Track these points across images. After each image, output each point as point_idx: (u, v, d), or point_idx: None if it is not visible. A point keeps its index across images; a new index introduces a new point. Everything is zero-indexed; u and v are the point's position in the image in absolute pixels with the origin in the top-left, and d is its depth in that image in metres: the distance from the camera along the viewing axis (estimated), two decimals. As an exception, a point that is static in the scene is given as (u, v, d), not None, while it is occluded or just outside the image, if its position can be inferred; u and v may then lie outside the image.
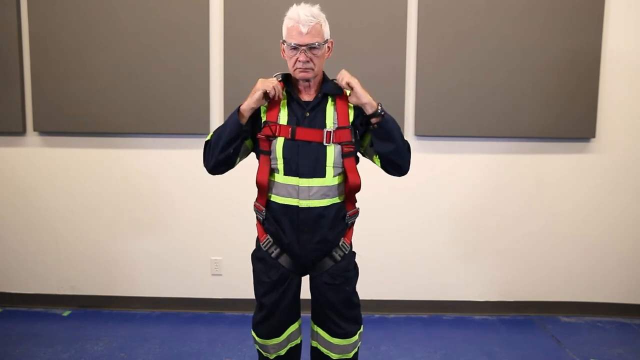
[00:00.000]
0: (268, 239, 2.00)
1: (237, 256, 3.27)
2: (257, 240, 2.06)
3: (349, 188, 1.97)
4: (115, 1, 3.20)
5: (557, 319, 3.42)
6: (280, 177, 1.94)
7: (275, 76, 1.99)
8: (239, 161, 2.02)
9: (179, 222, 3.40)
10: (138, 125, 3.29)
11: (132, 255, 3.43)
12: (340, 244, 2.01)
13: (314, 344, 2.13)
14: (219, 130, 1.96)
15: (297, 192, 1.93)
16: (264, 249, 2.01)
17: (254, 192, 2.02)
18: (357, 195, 2.04)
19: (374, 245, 3.32)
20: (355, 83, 1.89)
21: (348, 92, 1.95)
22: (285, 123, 1.94)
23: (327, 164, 1.93)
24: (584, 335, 3.20)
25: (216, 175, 2.05)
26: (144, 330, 3.17)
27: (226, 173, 2.03)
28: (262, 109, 1.98)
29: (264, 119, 1.97)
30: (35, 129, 3.32)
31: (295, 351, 2.14)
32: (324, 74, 1.99)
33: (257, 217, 2.05)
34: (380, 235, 3.36)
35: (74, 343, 2.99)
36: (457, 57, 3.23)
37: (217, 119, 3.26)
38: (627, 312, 3.45)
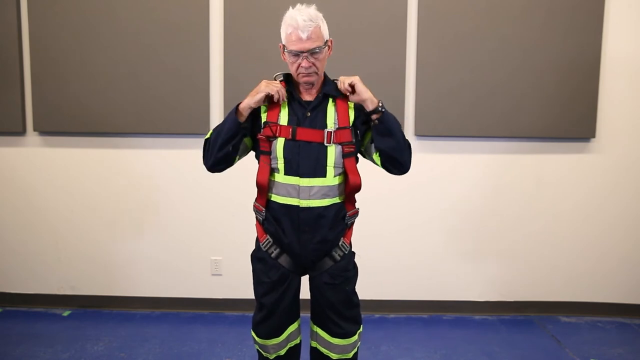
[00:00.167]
0: (268, 239, 2.00)
1: (237, 256, 3.27)
2: (257, 240, 2.06)
3: (350, 188, 1.97)
4: (115, 1, 3.20)
5: (557, 319, 3.42)
6: (280, 177, 1.94)
7: (276, 76, 1.99)
8: (239, 159, 2.02)
9: (179, 222, 3.40)
10: (138, 125, 3.29)
11: (132, 255, 3.43)
12: (340, 244, 2.01)
13: (314, 344, 2.13)
14: (218, 129, 1.95)
15: (297, 191, 1.93)
16: (264, 249, 2.01)
17: (254, 192, 2.02)
18: (357, 195, 2.04)
19: (374, 245, 3.32)
20: (356, 80, 1.90)
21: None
22: (285, 123, 1.93)
23: (328, 164, 1.93)
24: (584, 335, 3.20)
25: (216, 175, 2.06)
26: (144, 330, 3.17)
27: (226, 173, 2.04)
28: (263, 108, 1.97)
29: (264, 119, 1.96)
30: (35, 129, 3.32)
31: (294, 351, 2.14)
32: (325, 74, 1.99)
33: (256, 218, 2.05)
34: (380, 235, 3.36)
35: (74, 343, 2.99)
36: (457, 57, 3.23)
37: (217, 119, 3.26)
38: (627, 312, 3.45)
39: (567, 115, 3.28)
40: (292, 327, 2.09)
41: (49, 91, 3.27)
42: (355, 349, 2.12)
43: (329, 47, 1.93)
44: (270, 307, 2.02)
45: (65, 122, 3.30)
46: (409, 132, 3.29)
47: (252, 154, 2.07)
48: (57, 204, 3.40)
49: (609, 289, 3.46)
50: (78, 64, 3.24)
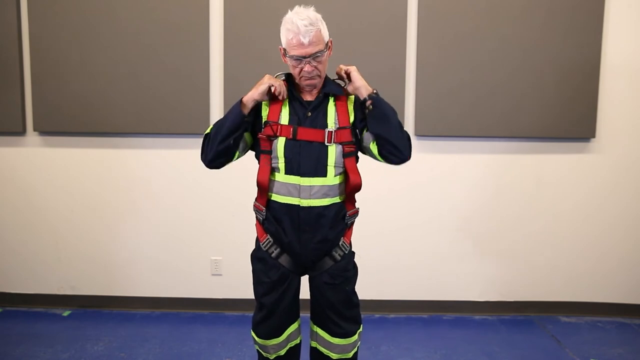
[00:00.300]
0: (268, 238, 2.00)
1: (237, 256, 3.26)
2: (257, 240, 2.06)
3: (350, 188, 1.97)
4: (115, 1, 3.20)
5: (557, 319, 3.42)
6: (281, 176, 1.95)
7: (277, 76, 2.00)
8: (238, 156, 2.00)
9: (179, 222, 3.40)
10: (138, 125, 3.29)
11: (132, 255, 3.43)
12: (340, 243, 2.01)
13: (314, 344, 2.13)
14: (219, 123, 1.95)
15: (298, 191, 1.93)
16: (264, 249, 2.01)
17: (254, 192, 2.02)
18: (357, 195, 2.04)
19: (374, 245, 3.32)
20: (352, 69, 1.95)
21: (343, 83, 1.99)
22: (286, 122, 1.94)
23: (329, 164, 1.93)
24: (584, 335, 3.20)
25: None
26: (144, 330, 3.17)
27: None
28: (264, 107, 1.98)
29: (265, 118, 1.97)
30: (35, 129, 3.32)
31: (294, 351, 2.14)
32: (325, 74, 1.99)
33: (256, 218, 2.05)
34: (380, 235, 3.36)
35: (74, 343, 2.99)
36: (457, 57, 3.23)
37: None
38: (627, 312, 3.45)
39: (567, 115, 3.28)
40: (292, 327, 2.09)
41: (49, 91, 3.27)
42: (355, 349, 2.12)
43: (329, 47, 1.93)
44: (270, 307, 2.02)
45: (65, 122, 3.30)
46: (409, 132, 3.28)
47: (252, 153, 2.06)
48: (57, 204, 3.40)
49: (609, 289, 3.46)
50: (78, 64, 3.24)
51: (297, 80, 1.95)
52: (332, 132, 1.92)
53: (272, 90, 1.92)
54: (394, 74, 3.23)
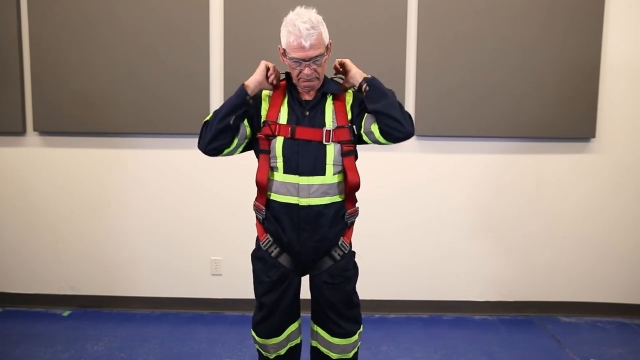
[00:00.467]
0: (268, 238, 2.01)
1: (237, 256, 3.27)
2: (257, 239, 2.06)
3: (349, 187, 1.97)
4: (115, 1, 3.20)
5: (557, 319, 3.42)
6: (279, 176, 1.95)
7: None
8: (235, 146, 1.97)
9: (179, 222, 3.40)
10: (138, 125, 3.29)
11: (132, 255, 3.43)
12: (339, 243, 2.01)
13: (314, 343, 2.13)
14: (218, 109, 1.96)
15: (297, 190, 1.93)
16: (264, 249, 2.02)
17: (253, 192, 2.03)
18: (357, 195, 2.04)
19: (374, 245, 3.32)
20: (347, 60, 2.00)
21: (341, 80, 2.03)
22: (285, 122, 1.94)
23: (327, 162, 1.93)
24: (584, 335, 3.20)
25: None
26: (144, 330, 3.17)
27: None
28: (264, 107, 1.98)
29: (263, 118, 1.97)
30: (35, 129, 3.32)
31: (295, 351, 2.14)
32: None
33: (256, 217, 2.05)
34: (380, 235, 3.36)
35: (74, 343, 2.99)
36: (457, 57, 3.23)
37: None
38: (627, 312, 3.45)
39: (567, 115, 3.28)
40: (293, 327, 2.09)
41: (49, 91, 3.27)
42: (356, 349, 2.12)
43: (328, 50, 1.93)
44: (270, 306, 2.02)
45: (65, 122, 3.30)
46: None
47: (252, 153, 2.07)
48: (57, 204, 3.40)
49: (609, 289, 3.45)
50: (78, 64, 3.25)
51: (295, 81, 1.95)
52: (330, 131, 1.93)
53: (268, 71, 1.95)
54: (394, 74, 3.23)
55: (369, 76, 1.96)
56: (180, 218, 3.39)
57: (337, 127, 1.94)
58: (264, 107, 1.99)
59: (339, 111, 1.97)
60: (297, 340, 2.14)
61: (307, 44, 1.83)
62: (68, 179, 3.38)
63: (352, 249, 2.09)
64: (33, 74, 3.27)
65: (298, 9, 1.89)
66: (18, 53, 3.26)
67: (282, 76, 2.02)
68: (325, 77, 2.00)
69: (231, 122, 1.90)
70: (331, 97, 1.99)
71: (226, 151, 1.97)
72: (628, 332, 3.26)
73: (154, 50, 3.23)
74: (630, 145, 3.34)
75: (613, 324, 3.37)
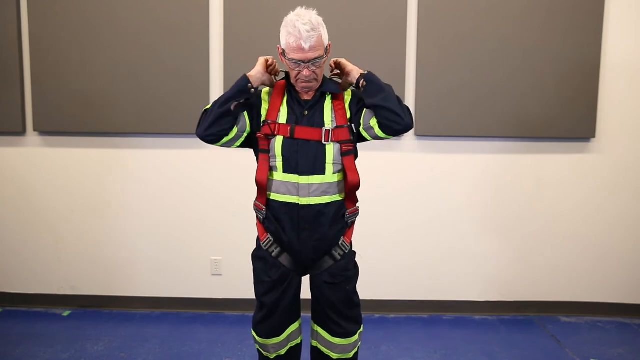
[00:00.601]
0: (268, 238, 2.01)
1: (237, 256, 3.27)
2: (258, 239, 2.06)
3: (349, 186, 1.98)
4: (115, 1, 3.20)
5: (557, 319, 3.42)
6: (279, 175, 1.95)
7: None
8: (233, 137, 1.95)
9: (179, 222, 3.39)
10: (138, 125, 3.29)
11: (132, 255, 3.43)
12: (340, 243, 2.01)
13: (314, 343, 2.13)
14: (219, 97, 1.96)
15: (297, 189, 1.93)
16: (265, 248, 2.02)
17: (253, 192, 2.03)
18: (357, 194, 2.04)
19: (374, 245, 3.32)
20: (342, 59, 2.01)
21: (339, 80, 2.04)
22: (284, 122, 1.95)
23: (327, 161, 1.93)
24: (584, 335, 3.20)
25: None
26: (144, 330, 3.17)
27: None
28: (263, 106, 1.99)
29: (263, 117, 1.97)
30: (35, 129, 3.32)
31: (295, 351, 2.14)
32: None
33: (257, 217, 2.05)
34: (380, 235, 3.36)
35: (74, 343, 2.99)
36: (457, 57, 3.23)
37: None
38: (627, 312, 3.45)
39: (567, 115, 3.28)
40: (293, 327, 2.09)
41: (49, 91, 3.27)
42: (356, 349, 2.12)
43: (328, 52, 1.94)
44: (271, 306, 2.02)
45: (65, 122, 3.30)
46: (409, 132, 3.29)
47: (252, 153, 2.07)
48: (57, 204, 3.40)
49: (609, 289, 3.45)
50: (78, 64, 3.25)
51: (293, 82, 1.95)
52: (329, 130, 1.93)
53: (268, 63, 1.98)
54: (394, 74, 3.22)
55: (366, 72, 1.97)
56: (180, 218, 3.39)
57: (337, 127, 1.94)
58: (264, 107, 1.99)
59: (338, 111, 1.97)
60: (298, 340, 2.14)
61: (306, 46, 1.83)
62: (68, 179, 3.38)
63: (353, 249, 2.09)
64: (33, 74, 3.27)
65: (299, 10, 1.89)
66: (18, 53, 3.26)
67: (282, 75, 2.02)
68: (324, 77, 2.01)
69: (232, 107, 1.89)
70: (330, 96, 1.99)
71: (225, 139, 1.95)
72: (628, 332, 3.26)
73: (154, 50, 3.23)
74: (630, 145, 3.34)
75: (613, 324, 3.37)
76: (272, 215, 1.98)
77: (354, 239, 2.09)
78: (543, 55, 3.22)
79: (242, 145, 2.03)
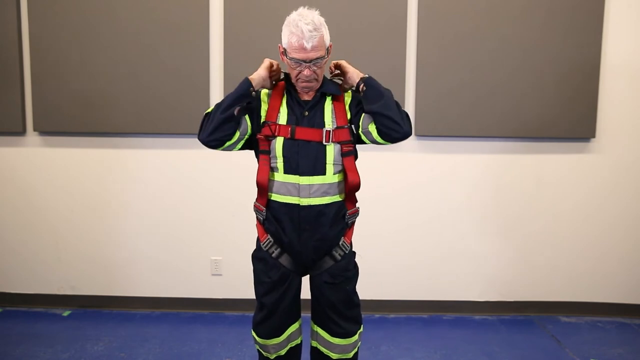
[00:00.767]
0: (268, 238, 2.01)
1: (237, 256, 3.27)
2: (258, 240, 2.06)
3: (349, 187, 1.98)
4: (115, 1, 3.20)
5: (557, 319, 3.42)
6: (280, 176, 1.95)
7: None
8: (236, 140, 1.95)
9: (179, 222, 3.39)
10: (138, 125, 3.29)
11: (132, 255, 3.43)
12: (340, 243, 2.01)
13: (314, 343, 2.13)
14: (221, 100, 1.96)
15: (297, 190, 1.93)
16: (265, 249, 2.02)
17: (254, 192, 2.03)
18: (357, 195, 2.04)
19: (374, 245, 3.32)
20: (342, 61, 2.01)
21: (340, 81, 2.04)
22: (284, 122, 1.95)
23: (327, 162, 1.93)
24: (584, 335, 3.20)
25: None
26: (144, 330, 3.17)
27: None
28: (263, 107, 1.99)
29: (263, 118, 1.97)
30: (35, 129, 3.32)
31: (295, 351, 2.14)
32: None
33: (257, 218, 2.05)
34: (380, 235, 3.36)
35: (74, 343, 2.99)
36: (457, 57, 3.23)
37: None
38: (627, 312, 3.45)
39: (567, 115, 3.28)
40: (293, 327, 2.09)
41: (49, 91, 3.27)
42: (356, 349, 2.12)
43: (329, 52, 1.94)
44: (271, 307, 2.02)
45: (65, 122, 3.30)
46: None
47: (252, 153, 2.07)
48: (57, 204, 3.40)
49: (609, 289, 3.46)
50: (78, 64, 3.25)
51: (293, 81, 1.96)
52: (329, 131, 1.93)
53: (272, 67, 1.97)
54: (394, 74, 3.23)
55: (366, 75, 1.97)
56: (180, 218, 3.39)
57: (337, 128, 1.95)
58: (264, 108, 1.99)
59: (338, 111, 1.97)
60: (298, 341, 2.14)
61: (308, 46, 1.83)
62: (68, 179, 3.38)
63: (353, 249, 2.09)
64: (33, 74, 3.27)
65: (301, 10, 1.89)
66: (18, 53, 3.26)
67: (282, 75, 2.03)
68: (325, 78, 2.01)
69: (235, 112, 1.89)
70: (330, 97, 1.99)
71: (227, 144, 1.95)
72: (628, 332, 3.26)
73: (154, 50, 3.23)
74: (630, 145, 3.35)
75: (613, 324, 3.37)
76: (272, 216, 1.98)
77: (354, 239, 2.09)
78: (543, 55, 3.22)
79: (243, 148, 2.03)
